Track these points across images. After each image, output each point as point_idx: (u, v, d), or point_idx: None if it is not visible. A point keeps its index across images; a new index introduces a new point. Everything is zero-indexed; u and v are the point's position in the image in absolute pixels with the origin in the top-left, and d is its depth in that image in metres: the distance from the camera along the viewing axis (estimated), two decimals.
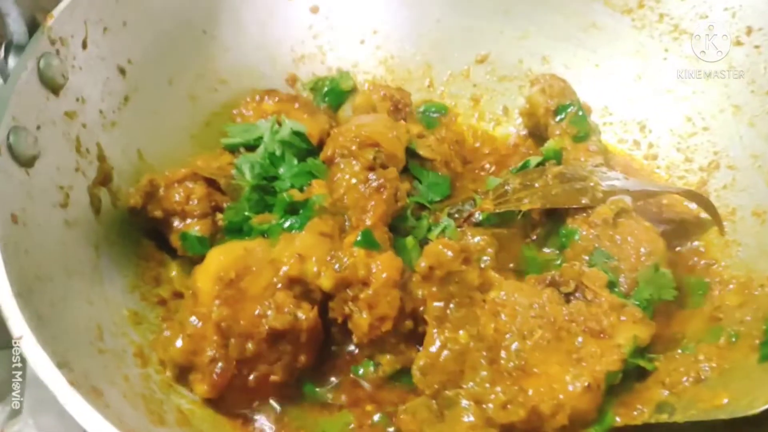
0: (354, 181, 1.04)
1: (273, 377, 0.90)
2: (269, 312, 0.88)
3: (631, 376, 0.94)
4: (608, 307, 0.91)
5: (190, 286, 0.92)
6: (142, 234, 1.05)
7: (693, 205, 1.18)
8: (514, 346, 0.88)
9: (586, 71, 1.34)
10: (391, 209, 1.01)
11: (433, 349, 0.87)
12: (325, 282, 0.90)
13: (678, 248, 1.13)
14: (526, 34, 1.37)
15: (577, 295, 0.92)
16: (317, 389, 0.96)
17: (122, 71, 1.09)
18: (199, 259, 0.99)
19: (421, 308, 0.92)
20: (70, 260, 0.90)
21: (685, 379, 0.91)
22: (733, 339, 0.94)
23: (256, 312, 0.88)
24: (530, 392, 0.84)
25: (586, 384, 0.85)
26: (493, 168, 1.28)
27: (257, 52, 1.30)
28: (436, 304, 0.89)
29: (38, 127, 0.91)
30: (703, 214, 1.16)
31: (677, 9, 1.25)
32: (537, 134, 1.32)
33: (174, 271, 1.04)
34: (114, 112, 1.07)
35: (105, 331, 0.88)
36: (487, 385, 0.85)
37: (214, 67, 1.24)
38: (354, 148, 1.07)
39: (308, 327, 0.89)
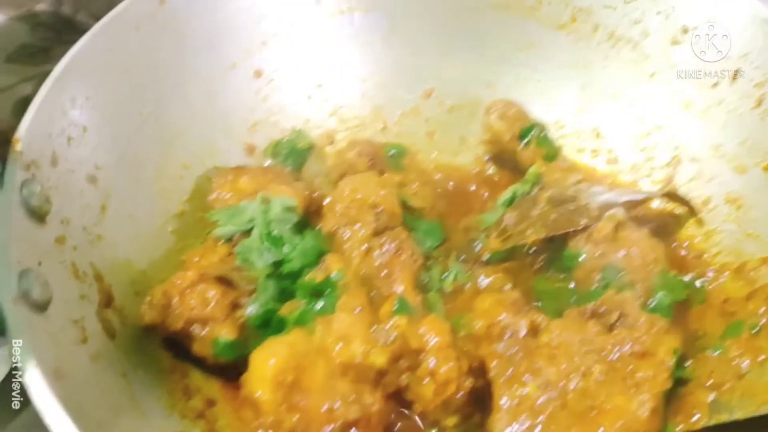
0: (364, 247, 1.02)
1: None
2: (336, 405, 0.85)
3: (675, 384, 0.97)
4: (647, 326, 0.94)
5: (245, 397, 0.87)
6: (157, 348, 1.00)
7: (664, 203, 1.24)
8: (579, 386, 0.89)
9: (531, 89, 1.37)
10: (414, 270, 1.00)
11: (507, 407, 0.87)
12: (379, 359, 0.89)
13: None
14: (467, 63, 1.38)
15: (619, 323, 0.95)
16: None
17: (93, 180, 1.02)
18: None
19: (475, 365, 0.92)
20: (110, 398, 0.84)
21: (726, 378, 0.96)
22: (755, 330, 0.99)
23: (324, 408, 0.85)
24: (608, 429, 0.86)
25: (652, 407, 0.88)
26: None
27: (210, 128, 1.25)
28: (495, 362, 0.89)
29: (39, 264, 0.85)
30: (679, 209, 1.22)
31: (609, 18, 1.29)
32: (500, 159, 1.34)
33: (199, 377, 0.99)
34: (96, 226, 1.00)
35: None
36: None
37: (174, 154, 1.18)
38: (354, 213, 1.05)
39: (378, 410, 0.88)
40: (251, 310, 0.97)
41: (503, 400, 0.88)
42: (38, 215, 0.88)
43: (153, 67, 1.16)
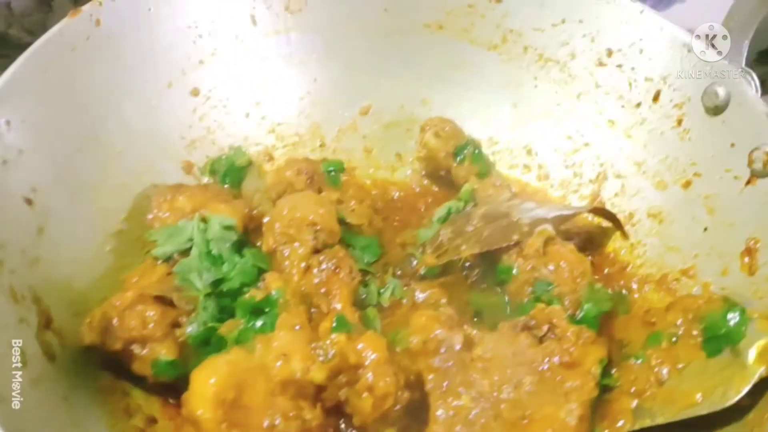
0: (303, 265, 1.05)
1: None
2: (277, 421, 0.87)
3: (601, 391, 1.02)
4: (575, 338, 0.99)
5: (186, 416, 0.89)
6: (97, 368, 1.00)
7: (591, 217, 1.29)
8: (511, 397, 0.93)
9: (465, 107, 1.41)
10: (352, 288, 1.03)
11: (443, 419, 0.90)
12: (318, 376, 0.91)
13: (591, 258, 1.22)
14: (402, 82, 1.42)
15: (549, 335, 0.99)
16: None
17: (29, 202, 1.02)
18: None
19: (412, 378, 0.95)
20: (52, 421, 0.85)
21: (648, 385, 1.01)
22: (674, 340, 1.04)
23: (265, 424, 0.87)
24: None
25: (579, 415, 0.92)
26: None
27: (148, 147, 1.25)
28: (432, 376, 0.93)
29: None
30: (605, 223, 1.27)
31: (538, 40, 1.35)
32: (436, 175, 1.38)
33: (139, 396, 0.99)
34: (34, 248, 1.00)
35: None
36: None
37: (113, 173, 1.18)
38: (292, 232, 1.07)
39: (318, 425, 0.90)
40: (191, 329, 0.99)
41: (439, 412, 0.91)
42: None
43: (90, 87, 1.16)
